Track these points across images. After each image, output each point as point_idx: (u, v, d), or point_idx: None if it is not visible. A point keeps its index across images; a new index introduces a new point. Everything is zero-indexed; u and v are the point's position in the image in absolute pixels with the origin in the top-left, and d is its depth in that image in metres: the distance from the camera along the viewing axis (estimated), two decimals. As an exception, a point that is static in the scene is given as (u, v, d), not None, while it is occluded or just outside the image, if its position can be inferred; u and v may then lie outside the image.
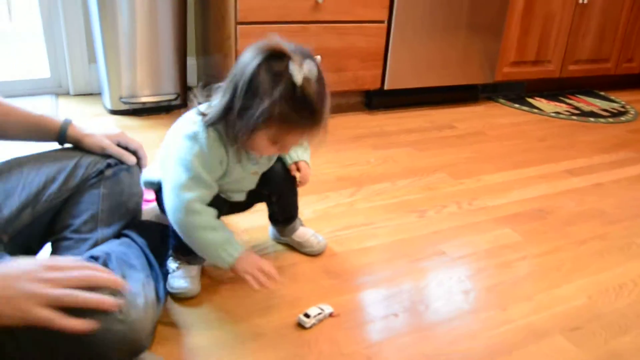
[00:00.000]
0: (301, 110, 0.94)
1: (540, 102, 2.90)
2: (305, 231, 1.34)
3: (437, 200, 1.67)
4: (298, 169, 1.23)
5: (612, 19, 3.05)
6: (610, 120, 2.71)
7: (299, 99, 0.92)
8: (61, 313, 0.73)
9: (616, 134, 2.49)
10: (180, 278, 1.14)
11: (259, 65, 0.93)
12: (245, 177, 1.13)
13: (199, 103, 1.05)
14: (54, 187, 1.04)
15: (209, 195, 1.05)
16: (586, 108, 2.89)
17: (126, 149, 1.15)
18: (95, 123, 2.11)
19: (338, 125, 2.27)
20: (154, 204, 1.37)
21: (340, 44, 2.23)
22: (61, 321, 0.73)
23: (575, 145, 2.28)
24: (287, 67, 0.91)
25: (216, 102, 1.00)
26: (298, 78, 0.91)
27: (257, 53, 0.94)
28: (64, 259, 0.85)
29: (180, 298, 1.13)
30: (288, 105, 0.92)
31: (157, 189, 1.15)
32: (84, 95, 2.46)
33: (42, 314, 0.72)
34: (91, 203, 1.06)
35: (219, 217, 1.09)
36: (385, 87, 2.42)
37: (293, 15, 2.07)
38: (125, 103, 2.20)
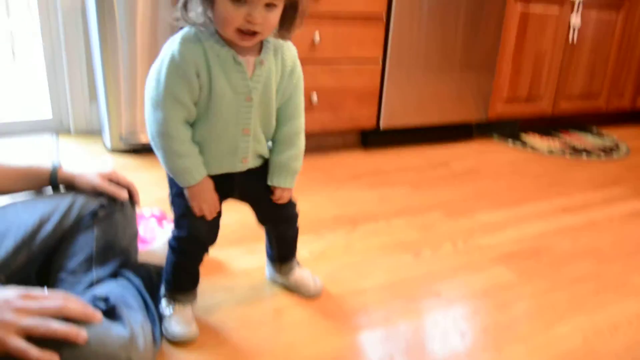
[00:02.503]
0: None
1: (533, 139, 2.94)
2: (302, 273, 1.35)
3: (433, 240, 1.68)
4: (275, 194, 1.18)
5: (601, 57, 3.12)
6: (603, 156, 2.74)
7: None
8: (32, 345, 0.75)
9: (609, 171, 2.52)
10: (177, 324, 1.12)
11: None
12: (238, 103, 1.04)
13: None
14: (48, 227, 1.05)
15: (185, 113, 1.02)
16: (579, 144, 2.93)
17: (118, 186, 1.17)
18: (90, 164, 2.14)
19: (335, 164, 2.30)
20: (149, 246, 1.39)
21: (336, 84, 2.27)
22: (31, 352, 0.74)
23: (569, 183, 2.31)
24: None
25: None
26: None
27: None
28: (39, 289, 0.86)
29: (178, 343, 1.12)
30: None
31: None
32: (85, 133, 2.49)
33: (15, 343, 0.74)
34: (86, 244, 1.08)
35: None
36: (381, 126, 2.46)
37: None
38: (125, 142, 2.23)
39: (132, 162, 2.18)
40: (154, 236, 1.45)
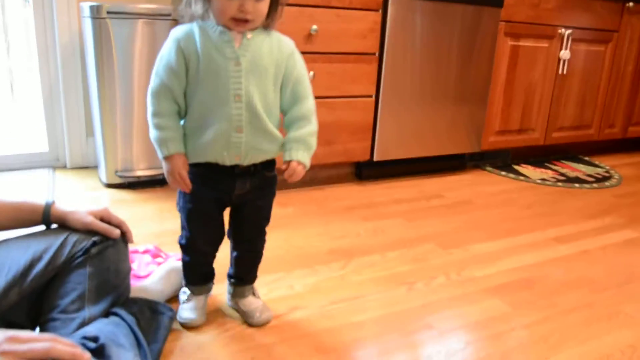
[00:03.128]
0: None
1: (526, 169, 2.97)
2: (253, 301, 1.38)
3: (426, 272, 1.69)
4: (288, 167, 1.21)
5: (591, 87, 3.18)
6: (595, 185, 2.77)
7: None
8: None
9: (601, 200, 2.54)
10: (188, 310, 1.33)
11: None
12: (227, 67, 1.13)
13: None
14: (40, 266, 1.05)
15: (177, 85, 1.14)
16: (571, 174, 2.96)
17: (109, 224, 1.17)
18: (85, 198, 2.16)
19: (329, 196, 2.32)
20: (143, 281, 1.39)
21: (330, 118, 2.31)
22: None
23: (562, 212, 2.33)
24: None
25: None
26: None
27: None
28: (27, 332, 0.87)
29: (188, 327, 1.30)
30: None
31: None
32: (81, 168, 2.51)
33: None
34: (78, 282, 1.08)
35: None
36: (375, 159, 2.49)
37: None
38: (120, 177, 2.25)
39: (127, 197, 2.19)
40: (149, 272, 1.46)
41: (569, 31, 2.91)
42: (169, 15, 2.17)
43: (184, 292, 1.37)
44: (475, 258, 1.82)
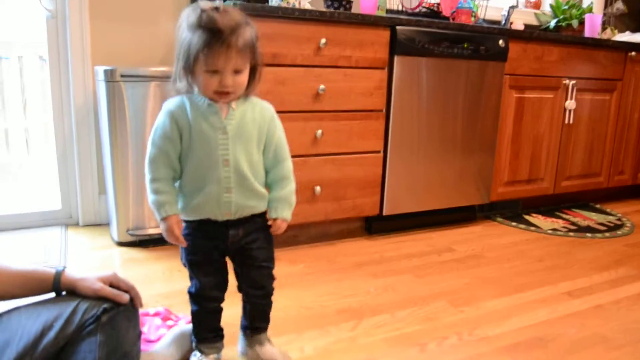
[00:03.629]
0: (211, 31, 1.17)
1: (537, 219, 2.96)
2: (272, 349, 1.43)
3: (438, 332, 1.67)
4: (274, 224, 1.36)
5: (598, 135, 3.19)
6: (607, 234, 2.75)
7: (205, 22, 1.18)
8: None
9: (614, 250, 2.52)
10: None
11: (184, 28, 1.23)
12: (215, 136, 1.26)
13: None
14: (51, 335, 1.05)
15: (172, 150, 1.27)
16: (583, 223, 2.94)
17: (118, 289, 1.18)
18: (94, 259, 2.17)
19: (339, 252, 2.32)
20: (153, 346, 1.39)
21: (338, 174, 2.33)
22: None
23: (574, 264, 2.31)
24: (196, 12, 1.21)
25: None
26: (200, 5, 1.21)
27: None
28: None
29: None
30: (200, 30, 1.18)
31: None
32: (93, 226, 2.54)
33: None
34: (89, 351, 1.07)
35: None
36: (384, 213, 2.50)
37: (293, 150, 2.17)
38: (131, 235, 2.27)
39: (138, 255, 2.21)
40: (159, 336, 1.46)
41: (573, 82, 2.95)
42: (181, 77, 2.23)
43: (194, 355, 1.39)
44: (487, 316, 1.80)
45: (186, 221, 1.34)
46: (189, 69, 1.22)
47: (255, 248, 1.36)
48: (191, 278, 1.38)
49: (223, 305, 1.41)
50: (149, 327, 1.50)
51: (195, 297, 1.38)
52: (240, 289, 1.41)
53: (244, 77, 1.25)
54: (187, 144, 1.27)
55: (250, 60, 1.25)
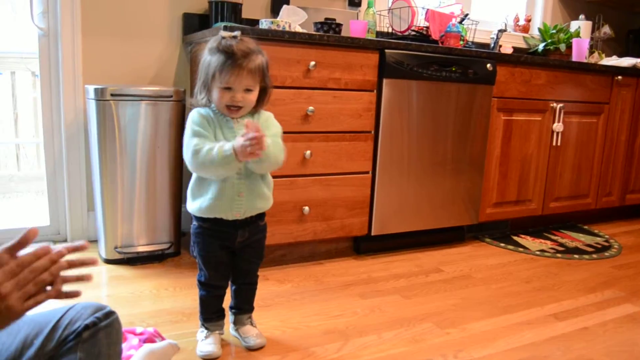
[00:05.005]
0: (226, 55, 1.41)
1: (525, 240, 2.98)
2: (251, 329, 1.68)
3: (423, 354, 1.68)
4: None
5: (586, 157, 3.23)
6: (595, 256, 2.77)
7: (223, 48, 1.42)
8: None
9: (601, 272, 2.54)
10: (208, 344, 1.60)
11: (206, 53, 1.47)
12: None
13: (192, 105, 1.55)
14: (30, 352, 1.03)
15: (207, 141, 1.45)
16: (571, 244, 2.96)
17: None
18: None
19: (327, 272, 2.32)
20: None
21: (327, 195, 2.35)
22: None
23: (561, 286, 2.32)
24: (218, 39, 1.45)
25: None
26: (221, 34, 1.45)
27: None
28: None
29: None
30: (219, 53, 1.42)
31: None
32: (81, 243, 2.53)
33: None
34: None
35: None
36: (372, 233, 2.51)
37: (283, 170, 2.21)
38: (119, 252, 2.27)
39: (125, 273, 2.20)
40: (127, 355, 1.44)
41: (561, 105, 2.99)
42: (171, 96, 2.25)
43: (201, 332, 1.65)
44: (473, 338, 1.80)
45: (197, 220, 1.56)
46: (207, 85, 1.46)
47: (254, 248, 1.62)
48: (200, 269, 1.61)
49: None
50: (126, 346, 1.49)
51: (203, 285, 1.62)
52: (234, 276, 1.66)
53: (253, 96, 1.47)
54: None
55: (260, 82, 1.48)
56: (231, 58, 1.41)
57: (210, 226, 1.54)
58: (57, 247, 0.94)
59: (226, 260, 1.60)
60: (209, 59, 1.45)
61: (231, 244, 1.57)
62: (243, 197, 1.50)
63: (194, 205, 1.53)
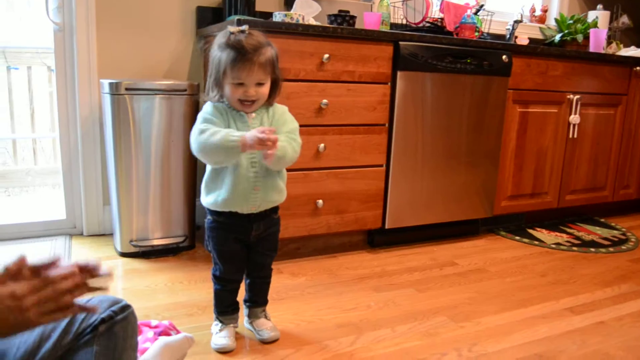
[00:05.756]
0: (236, 50, 1.41)
1: (540, 233, 2.95)
2: (265, 322, 1.69)
3: (437, 347, 1.67)
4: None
5: (603, 149, 3.19)
6: (612, 249, 2.74)
7: (232, 43, 1.41)
8: None
9: (618, 265, 2.51)
10: (222, 337, 1.61)
11: (215, 49, 1.46)
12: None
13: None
14: (48, 345, 1.05)
15: (215, 127, 1.45)
16: (587, 237, 2.93)
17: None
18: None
19: (341, 265, 2.32)
20: (146, 354, 1.40)
21: (341, 188, 2.34)
22: None
23: (577, 280, 2.30)
24: (226, 34, 1.44)
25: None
26: (229, 29, 1.43)
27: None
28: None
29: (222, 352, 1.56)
30: (229, 49, 1.42)
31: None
32: (97, 236, 2.56)
33: None
34: None
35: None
36: (387, 226, 2.50)
37: (297, 164, 2.18)
38: (135, 246, 2.29)
39: (140, 266, 2.22)
40: (143, 348, 1.45)
41: (578, 96, 2.95)
42: (185, 90, 2.25)
43: (216, 325, 1.66)
44: (487, 332, 1.79)
45: (212, 214, 1.56)
46: (219, 81, 1.45)
47: (269, 241, 1.63)
48: (215, 263, 1.62)
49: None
50: (142, 339, 1.50)
51: (218, 279, 1.63)
52: (249, 269, 1.67)
53: (265, 89, 1.47)
54: None
55: (270, 75, 1.48)
56: (241, 53, 1.40)
57: (225, 220, 1.54)
58: (85, 264, 0.94)
59: (241, 253, 1.61)
60: (218, 55, 1.44)
61: (246, 238, 1.58)
62: (259, 190, 1.50)
63: (209, 199, 1.54)
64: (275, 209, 1.62)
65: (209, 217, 1.59)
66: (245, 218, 1.54)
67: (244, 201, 1.50)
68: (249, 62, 1.40)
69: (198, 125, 1.47)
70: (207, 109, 1.50)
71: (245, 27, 1.45)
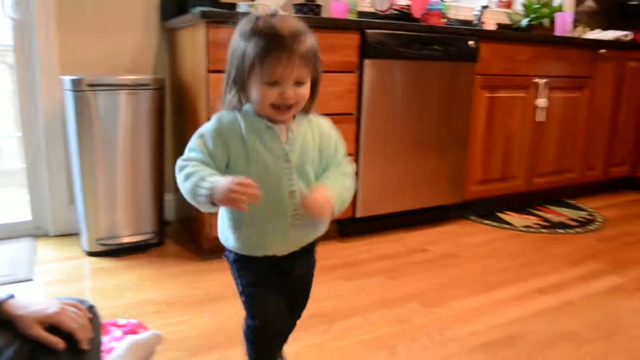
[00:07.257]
0: (269, 37, 1.04)
1: (510, 217, 2.99)
2: None
3: (409, 334, 1.68)
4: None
5: (570, 132, 3.23)
6: (579, 230, 2.79)
7: (262, 28, 1.05)
8: None
9: (586, 245, 2.56)
10: None
11: (236, 39, 1.09)
12: (277, 166, 1.10)
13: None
14: (10, 352, 1.02)
15: (206, 160, 1.09)
16: (555, 219, 2.98)
17: (59, 330, 1.07)
18: (63, 271, 2.13)
19: (312, 255, 2.32)
20: (112, 354, 1.37)
21: (310, 178, 2.33)
22: None
23: (546, 260, 2.34)
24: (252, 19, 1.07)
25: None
26: (255, 13, 1.07)
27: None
28: None
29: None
30: (257, 37, 1.04)
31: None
32: (64, 236, 2.50)
33: None
34: None
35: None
36: (357, 215, 2.50)
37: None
38: (102, 245, 2.25)
39: (108, 265, 2.18)
40: (110, 347, 1.43)
41: (544, 80, 2.98)
42: (150, 85, 2.21)
43: None
44: (457, 315, 1.81)
45: (244, 257, 1.18)
46: (242, 81, 1.08)
47: (307, 281, 1.31)
48: (247, 311, 1.20)
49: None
50: (109, 338, 1.48)
51: (256, 334, 1.20)
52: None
53: (305, 90, 1.10)
54: (238, 169, 1.10)
55: (312, 72, 1.10)
56: (276, 41, 1.04)
57: (261, 262, 1.18)
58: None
59: (282, 291, 1.22)
60: (242, 46, 1.06)
61: (286, 279, 1.23)
62: (296, 197, 1.12)
63: (230, 239, 1.18)
64: (313, 248, 1.29)
65: (230, 252, 1.22)
66: (284, 259, 1.19)
67: (282, 242, 1.16)
68: (288, 53, 1.04)
69: (187, 148, 1.13)
70: (208, 124, 1.12)
71: (275, 8, 1.10)
